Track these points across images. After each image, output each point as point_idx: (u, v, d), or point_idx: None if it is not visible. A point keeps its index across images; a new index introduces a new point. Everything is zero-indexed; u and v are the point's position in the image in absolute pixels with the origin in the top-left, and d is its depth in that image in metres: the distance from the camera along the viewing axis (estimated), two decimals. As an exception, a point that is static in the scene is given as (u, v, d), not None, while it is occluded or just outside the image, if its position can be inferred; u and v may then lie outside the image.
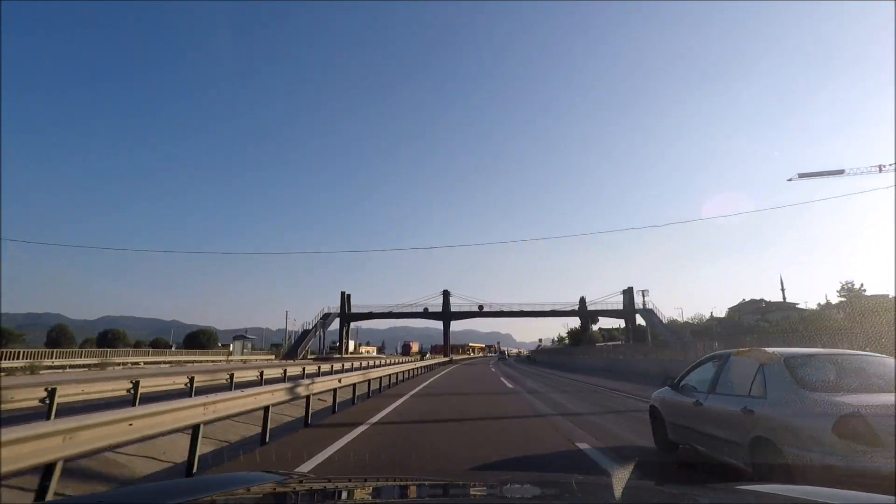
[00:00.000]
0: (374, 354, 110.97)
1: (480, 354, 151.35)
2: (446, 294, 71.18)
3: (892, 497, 1.43)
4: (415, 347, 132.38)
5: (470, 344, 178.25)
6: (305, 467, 5.23)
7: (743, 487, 1.91)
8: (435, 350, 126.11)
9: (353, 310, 73.41)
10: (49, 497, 3.26)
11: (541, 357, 77.24)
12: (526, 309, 69.85)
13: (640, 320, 68.87)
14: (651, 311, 67.12)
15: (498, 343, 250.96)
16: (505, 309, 70.36)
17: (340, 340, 71.41)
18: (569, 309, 70.47)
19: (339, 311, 71.88)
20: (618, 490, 1.52)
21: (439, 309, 70.45)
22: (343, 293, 73.02)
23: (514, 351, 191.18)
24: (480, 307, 70.30)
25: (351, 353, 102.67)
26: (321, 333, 66.15)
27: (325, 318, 68.17)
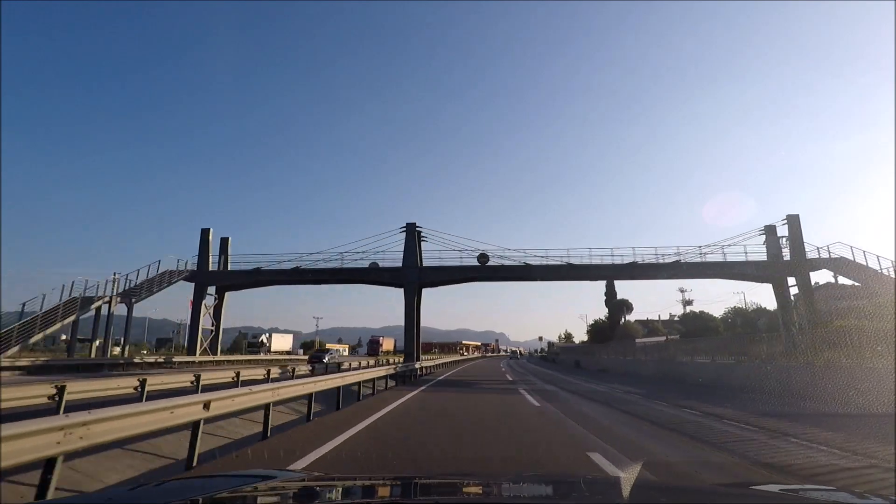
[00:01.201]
0: (346, 355, 73.84)
1: (476, 354, 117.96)
2: (412, 232, 34.80)
3: (893, 497, 1.45)
4: (387, 345, 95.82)
5: (463, 342, 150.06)
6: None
7: (748, 488, 1.98)
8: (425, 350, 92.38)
9: (232, 265, 36.74)
10: None
11: (575, 359, 50.32)
12: (574, 261, 33.68)
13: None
14: (845, 260, 31.15)
15: (496, 341, 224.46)
16: (532, 261, 34.00)
17: (195, 326, 34.42)
18: (662, 261, 34.05)
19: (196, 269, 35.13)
20: (626, 490, 1.44)
21: (400, 262, 34.10)
22: (205, 231, 36.32)
23: (523, 350, 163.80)
24: (483, 259, 34.15)
25: (277, 352, 66.25)
26: (113, 307, 29.15)
27: (157, 281, 31.60)
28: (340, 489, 1.84)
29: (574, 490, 1.90)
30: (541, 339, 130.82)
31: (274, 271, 35.10)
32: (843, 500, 1.58)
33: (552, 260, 34.08)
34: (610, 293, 79.57)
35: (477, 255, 34.82)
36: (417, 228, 35.57)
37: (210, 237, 36.49)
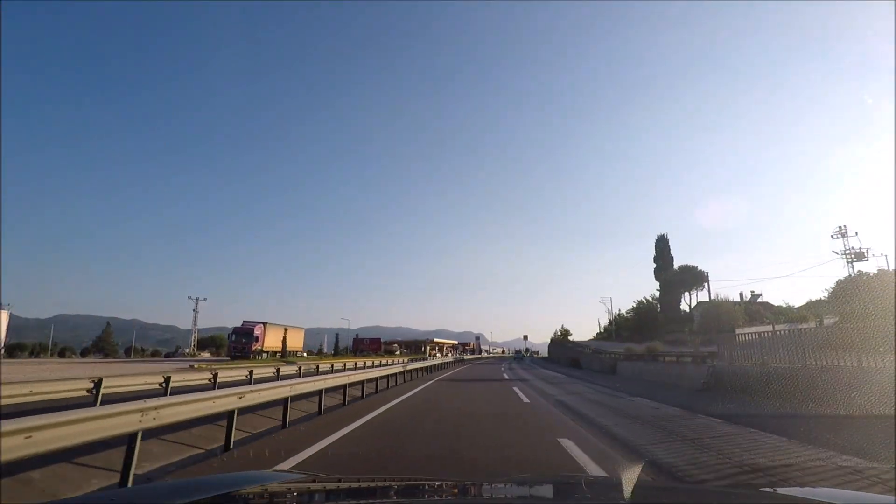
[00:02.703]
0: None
1: (451, 357, 78.54)
2: None
3: (892, 497, 1.43)
4: (272, 339, 52.91)
5: (436, 340, 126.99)
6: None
7: (749, 489, 2.02)
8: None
9: None
10: None
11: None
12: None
13: None
14: None
15: (476, 339, 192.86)
16: None
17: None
18: None
19: None
20: (628, 490, 1.43)
21: None
22: None
23: (506, 350, 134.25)
24: None
25: None
26: None
27: None
28: (339, 489, 1.83)
29: (575, 490, 1.90)
30: (525, 338, 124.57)
31: None
32: (843, 500, 1.55)
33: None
34: (663, 255, 54.93)
35: None
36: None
37: None
